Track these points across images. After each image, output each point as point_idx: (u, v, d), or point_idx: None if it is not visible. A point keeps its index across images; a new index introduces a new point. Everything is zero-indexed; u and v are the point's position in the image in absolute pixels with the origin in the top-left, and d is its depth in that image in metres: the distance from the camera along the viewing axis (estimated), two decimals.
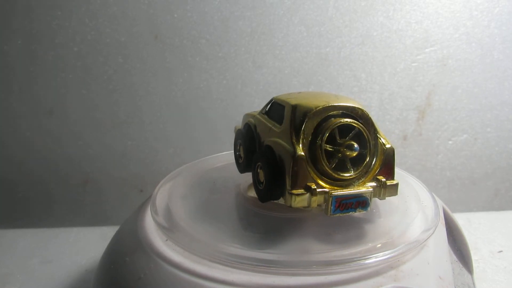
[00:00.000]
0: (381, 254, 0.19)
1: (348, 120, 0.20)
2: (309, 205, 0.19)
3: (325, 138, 0.19)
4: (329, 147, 0.19)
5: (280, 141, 0.20)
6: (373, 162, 0.21)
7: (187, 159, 0.43)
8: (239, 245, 0.20)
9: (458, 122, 0.45)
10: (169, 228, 0.21)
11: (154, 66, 0.42)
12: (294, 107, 0.20)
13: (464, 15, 0.42)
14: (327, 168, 0.19)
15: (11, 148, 0.42)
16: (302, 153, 0.19)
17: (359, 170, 0.20)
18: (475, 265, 0.28)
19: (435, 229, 0.21)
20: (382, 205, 0.25)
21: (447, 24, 0.42)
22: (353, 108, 0.20)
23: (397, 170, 0.29)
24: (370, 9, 0.41)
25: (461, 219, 0.29)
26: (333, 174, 0.19)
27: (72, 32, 0.40)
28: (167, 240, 0.21)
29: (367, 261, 0.18)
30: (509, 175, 0.47)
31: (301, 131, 0.19)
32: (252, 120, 0.25)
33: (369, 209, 0.20)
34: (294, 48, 0.42)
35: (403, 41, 0.42)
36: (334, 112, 0.20)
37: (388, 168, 0.21)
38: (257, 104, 0.43)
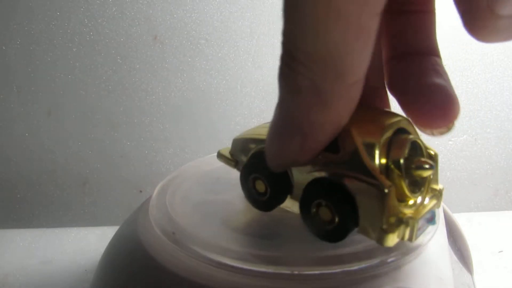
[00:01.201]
0: (381, 255, 0.19)
1: (412, 136, 0.18)
2: (403, 238, 0.17)
3: (402, 161, 0.17)
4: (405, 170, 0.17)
5: (349, 172, 0.17)
6: (434, 174, 0.19)
7: (187, 159, 0.43)
8: (239, 245, 0.20)
9: (458, 122, 0.45)
10: (169, 228, 0.21)
11: (154, 67, 0.42)
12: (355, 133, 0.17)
13: None
14: (408, 193, 0.17)
15: (10, 149, 0.42)
16: (390, 183, 0.16)
17: (426, 187, 0.18)
18: (475, 265, 0.28)
19: (435, 229, 0.21)
20: None
21: (447, 24, 0.42)
22: (403, 120, 0.19)
23: None
24: None
25: (461, 219, 0.29)
26: (411, 198, 0.17)
27: (71, 33, 0.40)
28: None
29: (367, 262, 0.18)
30: (509, 175, 0.47)
31: (375, 156, 0.17)
32: None
33: (437, 223, 0.19)
34: None
35: None
36: (392, 129, 0.18)
37: (435, 175, 0.20)
38: (257, 104, 0.43)
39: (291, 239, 0.21)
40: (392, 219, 0.16)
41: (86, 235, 0.40)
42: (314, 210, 0.18)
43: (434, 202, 0.19)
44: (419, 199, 0.18)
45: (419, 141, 0.18)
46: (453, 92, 0.18)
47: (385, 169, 0.17)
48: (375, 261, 0.18)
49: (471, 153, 0.46)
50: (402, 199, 0.17)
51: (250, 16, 0.41)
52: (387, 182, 0.16)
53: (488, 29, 0.14)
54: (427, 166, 0.17)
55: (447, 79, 0.19)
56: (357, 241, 0.20)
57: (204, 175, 0.29)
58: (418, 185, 0.18)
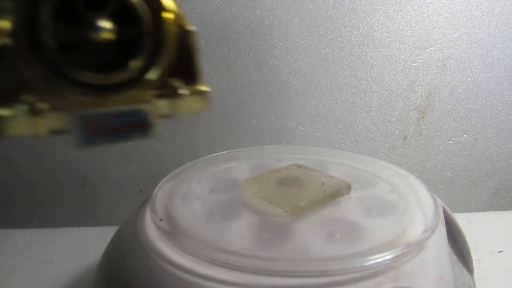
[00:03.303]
0: (381, 254, 0.19)
1: None
2: (35, 132, 0.11)
3: (47, 9, 0.10)
4: (64, 28, 0.11)
5: None
6: (158, 55, 0.12)
7: (186, 159, 0.43)
8: (239, 245, 0.20)
9: (458, 122, 0.45)
10: (169, 228, 0.21)
11: None
12: None
13: (464, 15, 0.42)
14: (61, 65, 0.11)
15: (10, 149, 0.42)
16: (4, 39, 0.10)
17: (128, 68, 0.12)
18: (475, 265, 0.28)
19: (435, 229, 0.21)
20: (382, 205, 0.25)
21: (447, 24, 0.42)
22: None
23: (397, 170, 0.30)
24: (370, 9, 0.41)
25: (461, 219, 0.29)
26: (77, 76, 0.11)
27: None
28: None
29: (367, 261, 0.18)
30: (509, 175, 0.47)
31: None
32: None
33: (152, 134, 0.12)
34: (294, 48, 0.42)
35: (403, 41, 0.42)
36: None
37: (188, 65, 0.13)
38: (257, 104, 0.43)
39: (289, 238, 0.21)
40: (9, 96, 0.11)
41: (86, 235, 0.40)
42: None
43: (147, 100, 0.12)
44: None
45: None
46: None
47: (26, 11, 0.10)
48: (375, 260, 0.18)
49: (471, 153, 0.46)
50: (63, 74, 0.11)
51: (250, 16, 0.41)
52: None
53: None
54: (96, 25, 0.11)
55: None
56: (357, 241, 0.20)
57: (203, 175, 0.29)
58: (116, 63, 0.11)
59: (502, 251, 0.36)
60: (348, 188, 0.25)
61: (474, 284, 0.27)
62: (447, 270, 0.20)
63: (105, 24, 0.11)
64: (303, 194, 0.23)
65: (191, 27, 0.12)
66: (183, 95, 0.12)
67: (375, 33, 0.42)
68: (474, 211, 0.46)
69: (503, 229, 0.41)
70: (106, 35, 0.11)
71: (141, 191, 0.44)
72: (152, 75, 0.12)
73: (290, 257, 0.19)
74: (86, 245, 0.38)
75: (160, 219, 0.22)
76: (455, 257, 0.25)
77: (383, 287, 0.18)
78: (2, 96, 0.10)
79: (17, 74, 0.10)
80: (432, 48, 0.43)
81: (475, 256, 0.28)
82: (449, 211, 0.27)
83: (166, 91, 0.12)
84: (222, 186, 0.27)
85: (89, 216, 0.44)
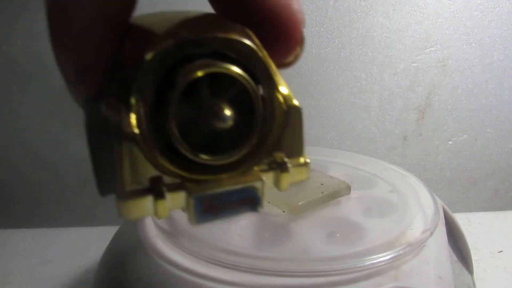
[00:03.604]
0: (381, 254, 0.19)
1: (222, 66, 0.11)
2: (155, 214, 0.12)
3: (174, 99, 0.11)
4: (186, 112, 0.11)
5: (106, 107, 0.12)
6: (267, 132, 0.12)
7: None
8: (239, 244, 0.20)
9: (458, 122, 0.45)
10: (169, 228, 0.21)
11: None
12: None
13: (464, 15, 0.42)
14: (184, 150, 0.11)
15: (11, 149, 0.42)
16: (133, 129, 0.11)
17: (241, 150, 0.12)
18: (475, 265, 0.28)
19: (435, 229, 0.21)
20: (382, 205, 0.25)
21: (447, 25, 0.42)
22: (229, 41, 0.11)
23: (397, 170, 0.30)
24: (370, 9, 0.41)
25: (461, 219, 0.29)
26: (195, 158, 0.11)
27: None
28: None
29: (367, 261, 0.18)
30: (509, 175, 0.47)
31: (134, 87, 0.11)
32: None
33: (260, 208, 0.12)
34: None
35: (403, 41, 0.42)
36: (196, 49, 0.11)
37: (292, 139, 0.13)
38: None
39: (289, 237, 0.21)
40: (135, 179, 0.11)
41: (86, 235, 0.40)
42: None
43: (259, 179, 0.12)
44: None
45: (246, 82, 0.11)
46: (289, 0, 0.12)
47: (154, 105, 0.11)
48: (375, 260, 0.18)
49: (471, 153, 0.46)
50: (183, 156, 0.11)
51: None
52: (126, 122, 0.11)
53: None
54: (223, 115, 0.11)
55: None
56: (357, 241, 0.20)
57: None
58: (230, 144, 0.12)
59: (502, 251, 0.36)
60: (348, 189, 0.25)
61: (474, 284, 0.27)
62: (447, 270, 0.20)
63: (229, 112, 0.11)
64: (302, 194, 0.23)
65: (297, 103, 0.13)
66: (289, 168, 0.13)
67: (375, 33, 0.42)
68: (474, 211, 0.46)
69: (503, 229, 0.41)
70: (230, 123, 0.11)
71: None
72: (261, 152, 0.12)
73: (290, 257, 0.19)
74: (86, 245, 0.38)
75: None
76: (455, 257, 0.25)
77: (383, 287, 0.18)
78: (133, 180, 0.11)
79: (144, 161, 0.11)
80: (432, 49, 0.43)
81: (475, 256, 0.28)
82: (449, 211, 0.27)
83: (273, 166, 0.13)
84: None
85: (89, 216, 0.44)
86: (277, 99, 0.12)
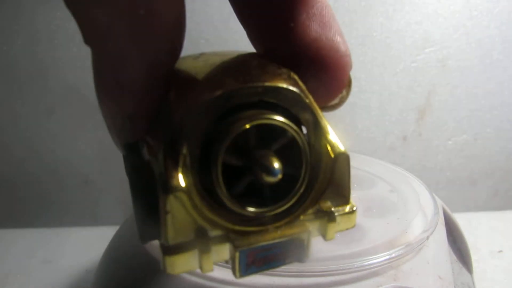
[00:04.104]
0: (381, 254, 0.19)
1: (271, 118, 0.11)
2: (201, 268, 0.11)
3: (221, 151, 0.10)
4: (234, 162, 0.11)
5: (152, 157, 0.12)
6: (313, 180, 0.12)
7: None
8: None
9: (458, 122, 0.45)
10: None
11: None
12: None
13: (464, 15, 0.42)
14: (230, 204, 0.11)
15: (11, 148, 0.42)
16: (181, 184, 0.10)
17: (288, 201, 0.11)
18: (475, 265, 0.28)
19: (435, 229, 0.21)
20: (382, 205, 0.25)
21: (447, 25, 0.42)
22: (276, 89, 0.11)
23: (397, 170, 0.30)
24: (370, 9, 0.41)
25: (461, 219, 0.29)
26: (242, 211, 0.11)
27: (71, 33, 0.40)
28: None
29: (367, 261, 0.18)
30: (509, 175, 0.47)
31: (181, 138, 0.11)
32: None
33: (308, 258, 0.12)
34: None
35: (403, 41, 0.42)
36: (243, 99, 0.11)
37: (338, 186, 0.12)
38: None
39: None
40: (181, 233, 0.11)
41: (87, 235, 0.40)
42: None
43: (305, 230, 0.12)
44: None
45: (295, 133, 0.11)
46: (337, 42, 0.12)
47: (201, 158, 0.11)
48: (375, 260, 0.18)
49: (471, 153, 0.46)
50: (227, 208, 0.11)
51: None
52: (175, 176, 0.10)
53: None
54: (272, 169, 0.10)
55: (328, 23, 0.12)
56: (357, 241, 0.20)
57: None
58: (276, 196, 0.11)
59: (501, 251, 0.36)
60: None
61: (473, 284, 0.27)
62: (447, 270, 0.20)
63: (278, 165, 0.10)
64: None
65: (343, 150, 0.12)
66: (336, 217, 0.12)
67: (375, 33, 0.42)
68: (474, 211, 0.46)
69: (502, 229, 0.41)
70: (279, 177, 0.10)
71: None
72: (307, 201, 0.12)
73: None
74: (86, 245, 0.38)
75: None
76: (454, 257, 0.25)
77: (383, 287, 0.18)
78: (178, 234, 0.11)
79: (192, 216, 0.11)
80: (431, 48, 0.43)
81: (475, 256, 0.28)
82: (449, 211, 0.27)
83: (319, 215, 0.12)
84: None
85: (89, 216, 0.44)
86: (325, 146, 0.12)
